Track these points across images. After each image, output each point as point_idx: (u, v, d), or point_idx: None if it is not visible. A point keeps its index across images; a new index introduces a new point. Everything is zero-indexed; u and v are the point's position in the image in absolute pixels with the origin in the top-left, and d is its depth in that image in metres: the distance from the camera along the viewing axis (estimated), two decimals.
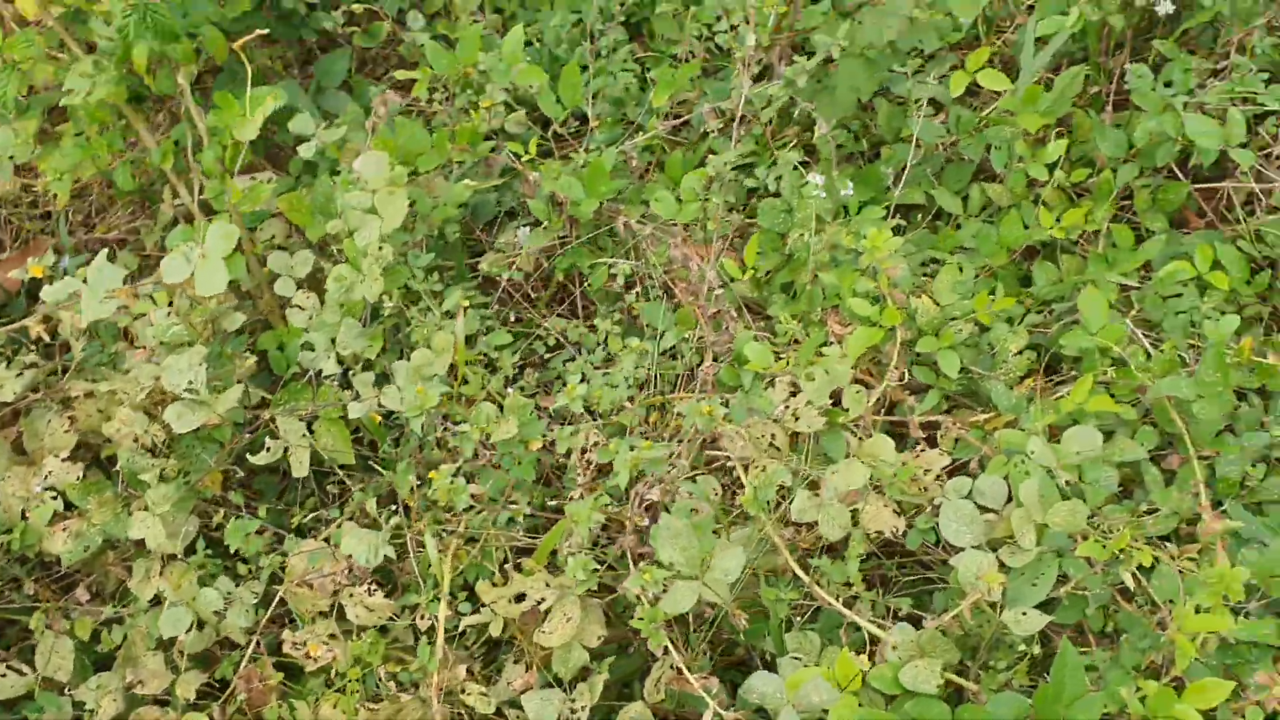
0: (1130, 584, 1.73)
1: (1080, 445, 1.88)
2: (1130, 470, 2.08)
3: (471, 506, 1.93)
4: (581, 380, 1.83)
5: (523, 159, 2.28)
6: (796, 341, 2.11)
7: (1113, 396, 2.07)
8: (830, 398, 2.12)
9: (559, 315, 2.36)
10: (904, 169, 2.60)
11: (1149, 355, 2.12)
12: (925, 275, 2.31)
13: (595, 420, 2.06)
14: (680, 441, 1.98)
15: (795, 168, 2.24)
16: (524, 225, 2.42)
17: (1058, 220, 2.24)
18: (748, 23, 2.08)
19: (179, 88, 2.07)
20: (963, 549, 1.74)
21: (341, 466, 2.17)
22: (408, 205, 2.12)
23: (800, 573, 1.73)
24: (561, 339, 2.21)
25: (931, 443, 2.02)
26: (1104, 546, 1.71)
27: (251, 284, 2.25)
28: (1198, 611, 1.68)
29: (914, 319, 2.09)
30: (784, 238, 2.31)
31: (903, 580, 2.01)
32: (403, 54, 2.91)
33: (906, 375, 2.10)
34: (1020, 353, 2.12)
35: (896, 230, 2.34)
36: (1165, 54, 2.48)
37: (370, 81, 2.94)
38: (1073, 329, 2.10)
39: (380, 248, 1.95)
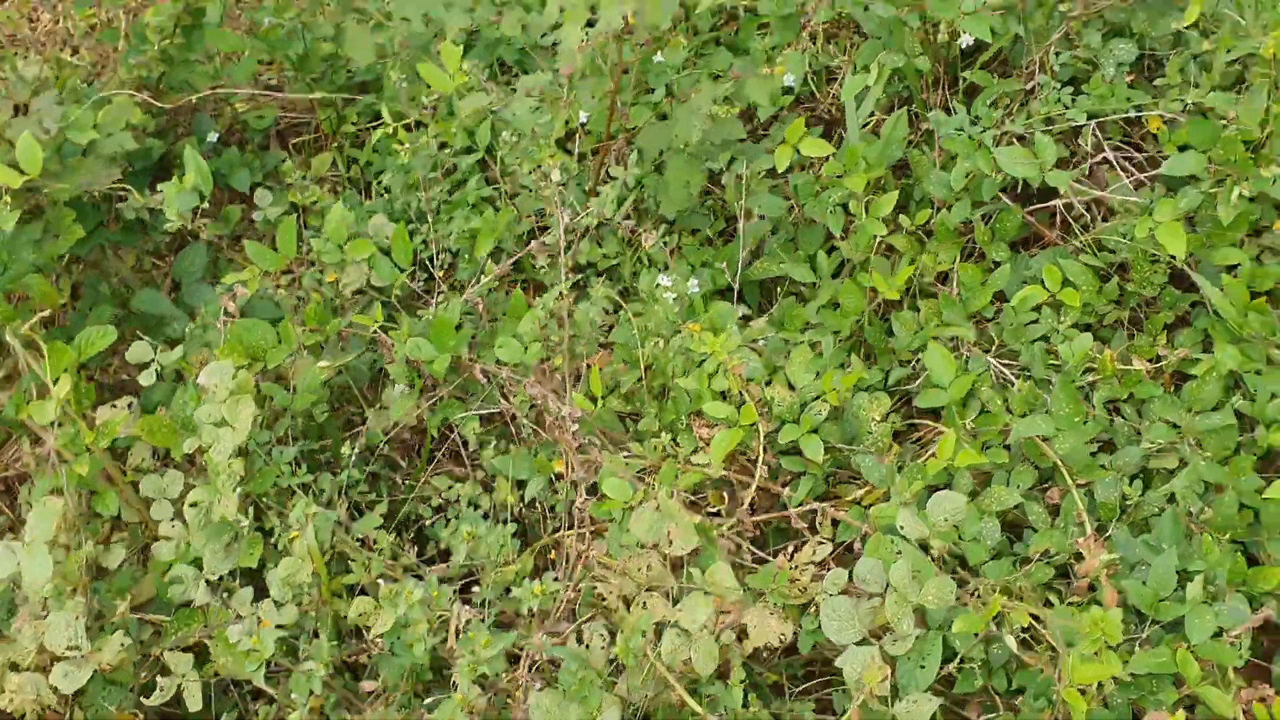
0: (1014, 647, 1.72)
1: (946, 511, 1.88)
2: (1019, 510, 2.09)
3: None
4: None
5: (372, 328, 2.30)
6: (668, 454, 2.12)
7: (983, 444, 2.08)
8: (709, 503, 2.13)
9: (442, 471, 2.36)
10: (759, 244, 2.64)
11: (1014, 388, 2.13)
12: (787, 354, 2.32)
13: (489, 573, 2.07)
14: (571, 582, 1.98)
15: (627, 275, 2.26)
16: (400, 385, 2.43)
17: (893, 282, 2.25)
18: (552, 159, 2.10)
19: (10, 343, 2.09)
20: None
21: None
22: (260, 406, 2.14)
23: (694, 706, 1.72)
24: (443, 499, 2.22)
25: (814, 530, 2.03)
26: (979, 615, 1.71)
27: (130, 512, 2.25)
28: (1091, 656, 1.68)
29: (771, 409, 2.10)
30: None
31: (806, 684, 2.00)
32: (261, 230, 2.94)
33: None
34: (885, 418, 2.13)
35: (747, 319, 2.36)
36: (977, 82, 2.51)
37: (236, 265, 2.96)
38: (929, 387, 2.11)
39: (231, 464, 1.95)
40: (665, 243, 2.34)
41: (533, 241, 2.23)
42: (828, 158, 2.46)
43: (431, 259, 2.44)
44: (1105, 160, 2.28)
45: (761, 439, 2.05)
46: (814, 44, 2.99)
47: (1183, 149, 2.11)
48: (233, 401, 2.07)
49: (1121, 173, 2.25)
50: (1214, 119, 2.07)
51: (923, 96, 2.66)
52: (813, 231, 2.59)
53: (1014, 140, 2.29)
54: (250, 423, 2.04)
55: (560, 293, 2.09)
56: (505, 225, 2.27)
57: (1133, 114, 2.30)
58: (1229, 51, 2.19)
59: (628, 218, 2.73)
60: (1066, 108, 2.28)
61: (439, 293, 2.39)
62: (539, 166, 2.11)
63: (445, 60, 2.14)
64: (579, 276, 2.49)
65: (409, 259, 2.29)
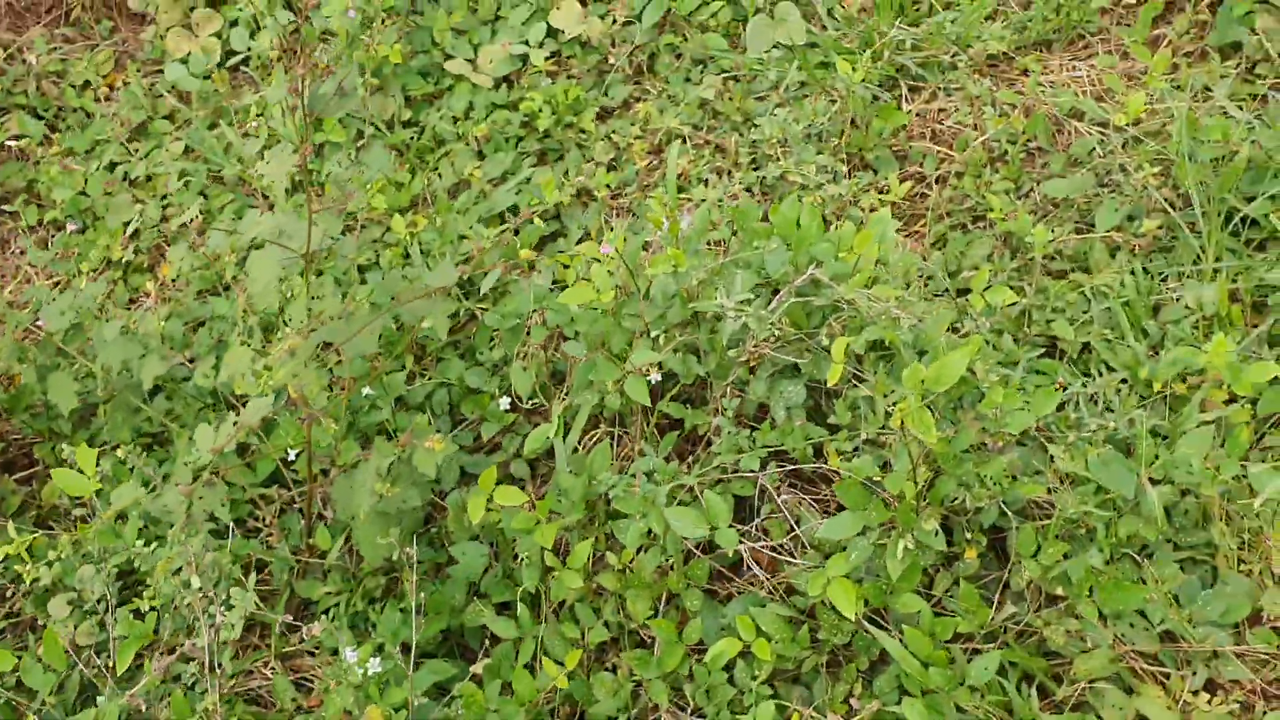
0: None
1: None
2: None
3: None
4: None
5: None
6: None
7: None
8: None
9: None
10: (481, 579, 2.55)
11: None
12: None
13: None
14: None
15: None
16: None
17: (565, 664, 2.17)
18: (189, 565, 2.00)
19: None
20: None
21: None
22: None
23: None
24: None
25: None
26: None
27: None
28: None
29: None
30: None
31: None
32: None
33: None
34: None
35: (445, 688, 2.24)
36: (672, 413, 2.50)
37: None
38: None
39: None
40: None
41: (186, 642, 2.11)
42: (530, 504, 2.41)
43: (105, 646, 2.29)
44: (784, 502, 2.25)
45: None
46: (545, 351, 2.99)
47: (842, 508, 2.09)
48: None
49: (795, 519, 2.22)
50: (862, 481, 2.06)
51: (634, 419, 2.64)
52: (513, 587, 2.50)
53: (693, 490, 2.26)
54: None
55: (207, 709, 1.96)
56: (149, 633, 2.14)
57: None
58: (888, 395, 2.20)
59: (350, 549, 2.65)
60: (743, 452, 2.26)
61: (110, 688, 2.24)
62: (178, 571, 2.00)
63: (81, 462, 2.05)
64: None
65: (62, 661, 2.14)
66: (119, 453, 2.12)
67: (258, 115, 2.87)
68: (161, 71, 4.04)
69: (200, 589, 1.97)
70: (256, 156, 3.26)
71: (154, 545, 2.07)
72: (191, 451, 2.18)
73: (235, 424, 2.03)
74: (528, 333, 2.96)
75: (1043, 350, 2.59)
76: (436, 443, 2.10)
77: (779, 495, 2.28)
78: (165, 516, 2.05)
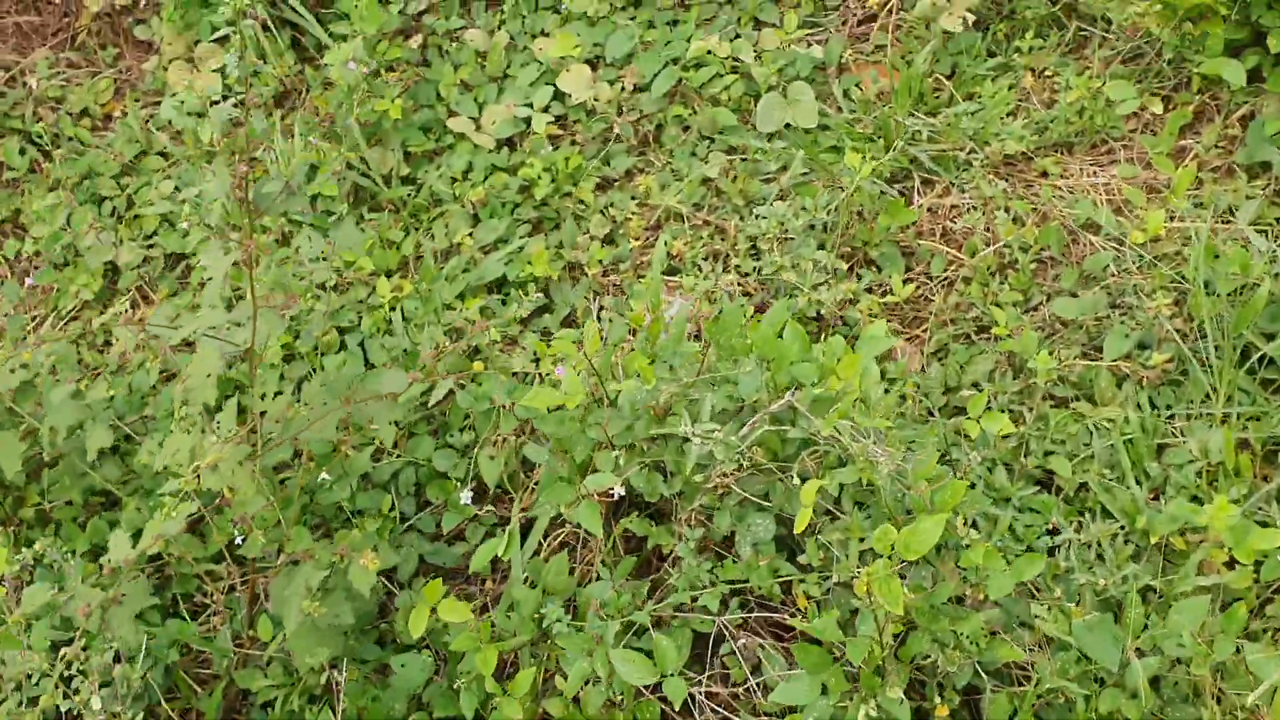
0: None
1: None
2: None
3: None
4: None
5: None
6: None
7: None
8: None
9: None
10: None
11: None
12: None
13: None
14: None
15: None
16: None
17: None
18: (91, 684, 1.87)
19: None
20: None
21: None
22: None
23: None
24: None
25: None
26: None
27: None
28: None
29: None
30: None
31: None
32: None
33: None
34: None
35: None
36: (635, 530, 2.36)
37: None
38: None
39: None
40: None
41: None
42: (480, 610, 2.28)
43: None
44: (744, 646, 2.10)
45: None
46: (515, 438, 2.86)
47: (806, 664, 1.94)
48: None
49: (754, 665, 2.08)
50: (824, 646, 1.91)
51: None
52: (453, 701, 2.36)
53: (648, 625, 2.12)
54: None
55: None
56: None
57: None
58: (861, 540, 2.05)
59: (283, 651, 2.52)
60: (704, 587, 2.12)
61: None
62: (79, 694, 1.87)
63: None
64: None
65: None
66: (36, 547, 2.00)
67: (193, 210, 2.75)
68: (160, 103, 3.95)
69: (102, 710, 1.84)
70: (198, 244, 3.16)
71: (62, 652, 1.95)
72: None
73: (156, 534, 1.90)
74: (499, 415, 2.83)
75: (1037, 486, 2.44)
76: (371, 561, 1.97)
77: (739, 639, 2.13)
78: (79, 621, 1.92)
